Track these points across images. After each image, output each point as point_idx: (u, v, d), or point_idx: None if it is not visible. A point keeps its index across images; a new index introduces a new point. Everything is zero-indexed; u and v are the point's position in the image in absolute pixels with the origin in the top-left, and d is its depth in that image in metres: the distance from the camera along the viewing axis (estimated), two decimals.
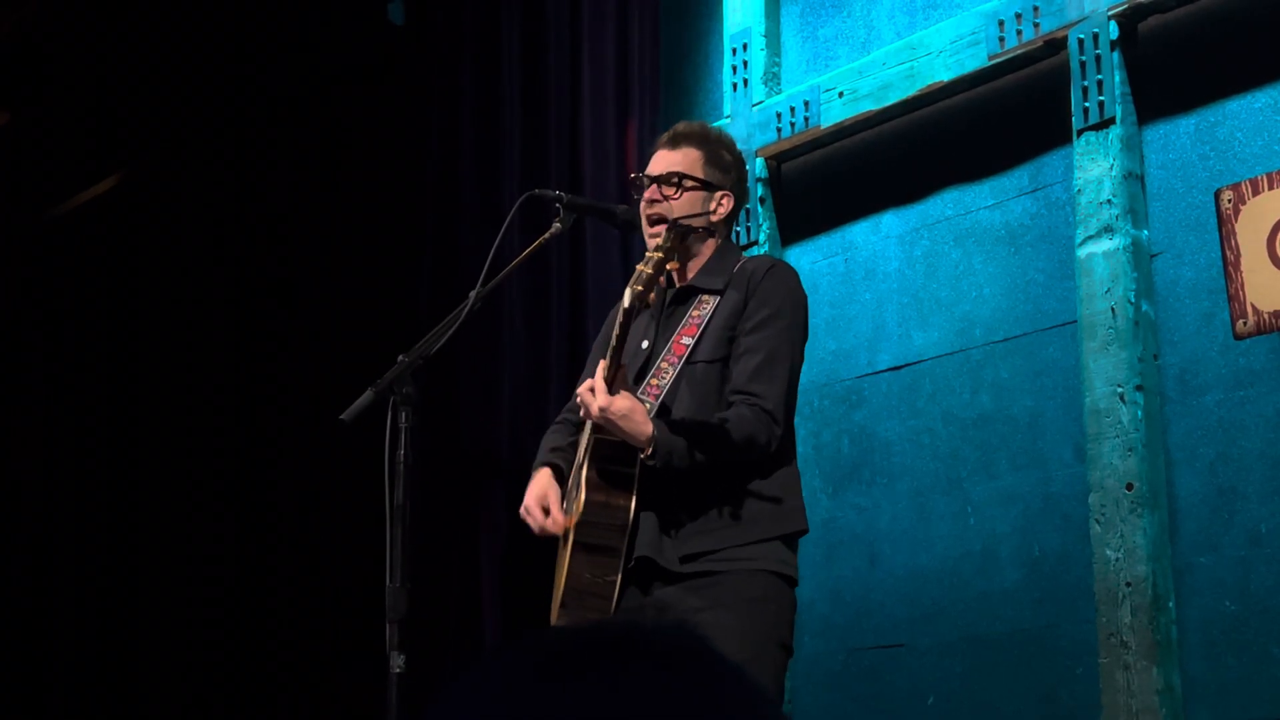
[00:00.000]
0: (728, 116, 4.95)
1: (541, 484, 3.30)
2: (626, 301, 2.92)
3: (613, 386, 2.99)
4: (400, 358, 3.00)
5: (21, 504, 7.05)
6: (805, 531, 3.24)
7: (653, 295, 2.95)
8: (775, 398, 3.13)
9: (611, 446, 3.07)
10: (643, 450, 3.01)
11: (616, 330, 2.98)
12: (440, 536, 4.89)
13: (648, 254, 2.98)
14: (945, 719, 4.27)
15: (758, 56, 4.96)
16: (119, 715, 6.41)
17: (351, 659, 5.41)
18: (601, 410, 2.98)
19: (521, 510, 3.27)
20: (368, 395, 2.98)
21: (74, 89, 7.09)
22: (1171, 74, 4.07)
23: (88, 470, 6.82)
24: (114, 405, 6.77)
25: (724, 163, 3.41)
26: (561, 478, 3.32)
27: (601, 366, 3.04)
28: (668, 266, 2.97)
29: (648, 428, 3.00)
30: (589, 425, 3.12)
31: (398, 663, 2.85)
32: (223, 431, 6.25)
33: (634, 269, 2.98)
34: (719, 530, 3.11)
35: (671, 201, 3.33)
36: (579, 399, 3.07)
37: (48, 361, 7.14)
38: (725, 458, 3.08)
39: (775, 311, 3.21)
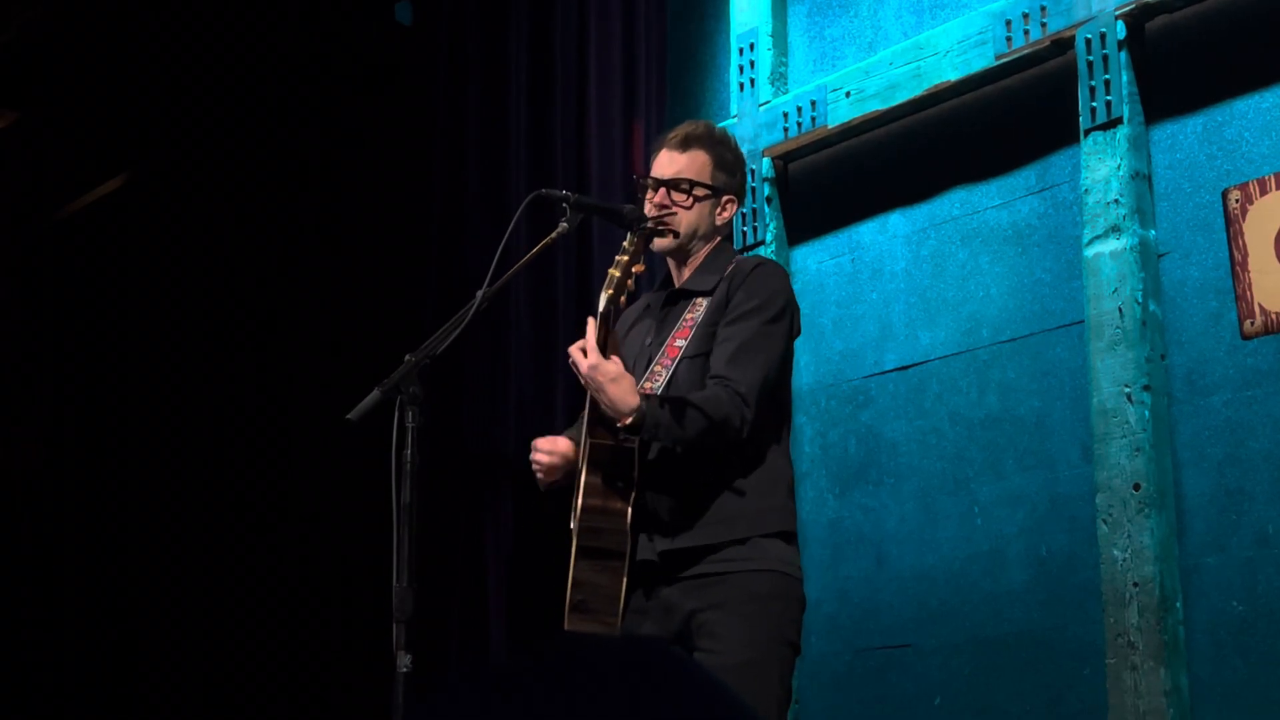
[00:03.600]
0: (734, 116, 4.95)
1: (552, 438, 3.35)
2: (602, 306, 3.08)
3: (604, 350, 3.06)
4: (407, 357, 3.00)
5: (29, 504, 7.05)
6: (793, 531, 3.21)
7: (624, 299, 3.10)
8: (748, 382, 3.12)
9: (608, 452, 3.10)
10: (620, 419, 3.03)
11: (600, 308, 3.09)
12: (447, 536, 4.89)
13: (616, 258, 3.10)
14: None
15: (765, 56, 4.95)
16: (123, 714, 6.42)
17: (358, 659, 5.42)
18: (591, 369, 3.03)
19: (532, 455, 3.30)
20: (374, 395, 2.98)
21: (80, 89, 7.09)
22: (1179, 74, 4.06)
23: (94, 470, 6.83)
24: (120, 405, 6.78)
25: (729, 165, 3.39)
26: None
27: (591, 326, 3.09)
28: (634, 269, 3.08)
29: (634, 399, 3.03)
30: (585, 433, 3.14)
31: (404, 663, 2.85)
32: (229, 431, 6.26)
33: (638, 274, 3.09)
34: (703, 527, 3.12)
35: (683, 210, 3.31)
36: (570, 358, 3.11)
37: (55, 361, 7.15)
38: (700, 435, 3.08)
39: (756, 305, 3.21)
